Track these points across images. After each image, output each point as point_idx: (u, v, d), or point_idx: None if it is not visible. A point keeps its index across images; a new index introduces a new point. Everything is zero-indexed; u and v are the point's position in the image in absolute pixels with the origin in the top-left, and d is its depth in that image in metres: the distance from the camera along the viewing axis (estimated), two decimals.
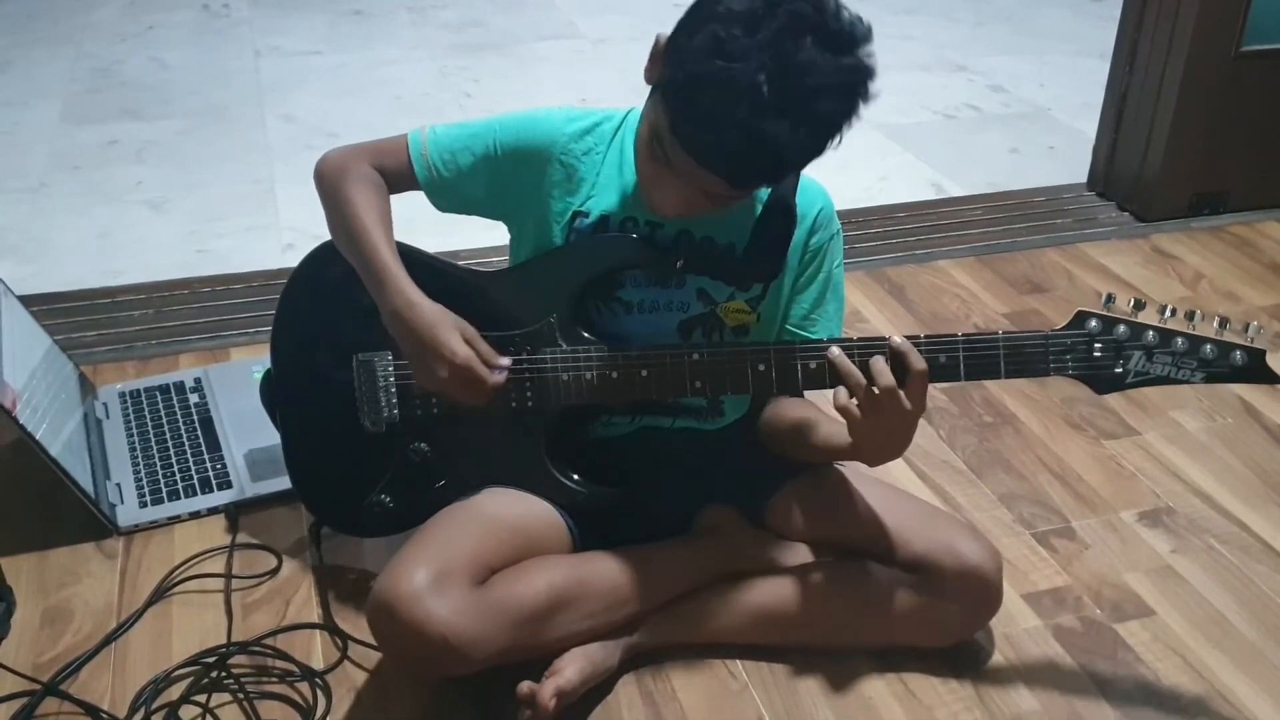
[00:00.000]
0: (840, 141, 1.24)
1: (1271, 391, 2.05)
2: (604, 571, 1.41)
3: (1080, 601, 1.59)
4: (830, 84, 1.18)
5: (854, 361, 1.29)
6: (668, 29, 1.26)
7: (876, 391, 1.26)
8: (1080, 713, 1.42)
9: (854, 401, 1.28)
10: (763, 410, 1.53)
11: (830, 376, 1.31)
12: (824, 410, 1.49)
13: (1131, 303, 1.27)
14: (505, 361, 1.37)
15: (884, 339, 1.29)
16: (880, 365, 1.27)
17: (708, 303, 1.43)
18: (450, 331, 1.33)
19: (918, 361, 1.27)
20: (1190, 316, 1.26)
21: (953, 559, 1.40)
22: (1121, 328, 1.27)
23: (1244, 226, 2.70)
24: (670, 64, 1.23)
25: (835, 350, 1.30)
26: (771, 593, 1.46)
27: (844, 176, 2.97)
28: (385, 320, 1.37)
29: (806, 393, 1.44)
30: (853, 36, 1.20)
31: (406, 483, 1.49)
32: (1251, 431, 1.97)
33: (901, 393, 1.26)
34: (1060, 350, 1.29)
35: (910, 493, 1.54)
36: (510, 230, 1.49)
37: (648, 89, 1.29)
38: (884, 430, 1.30)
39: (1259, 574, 1.65)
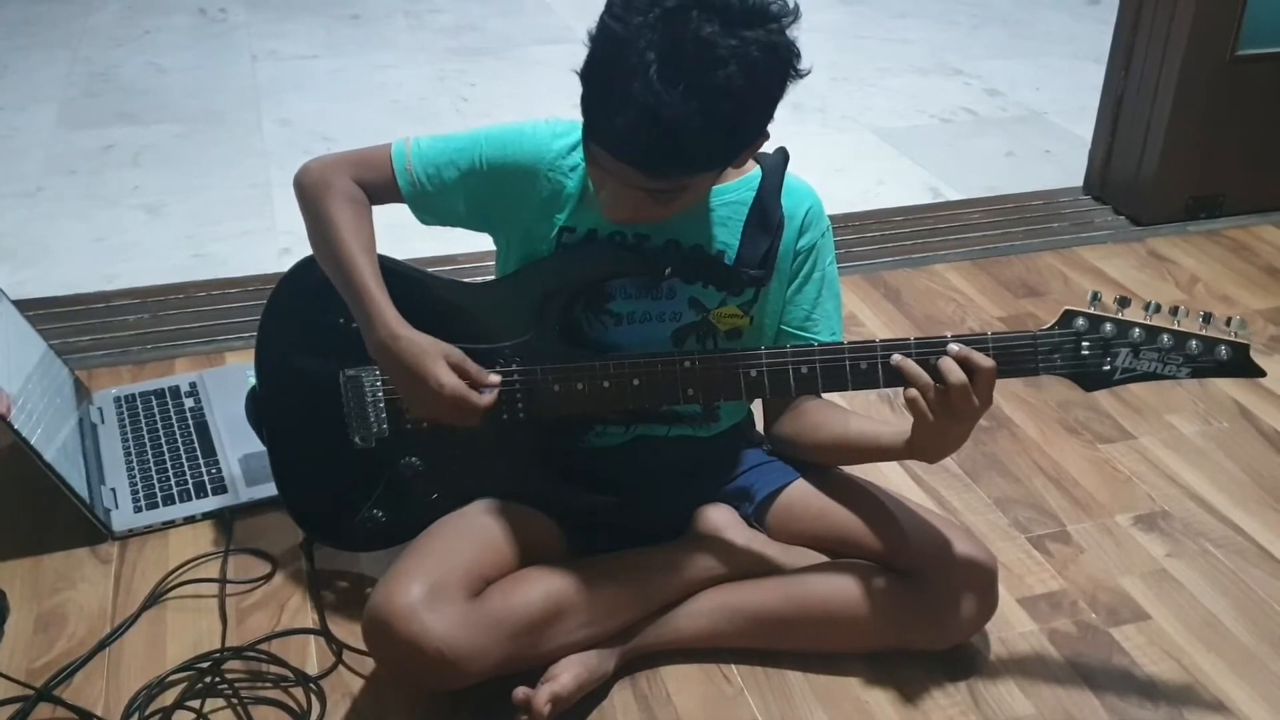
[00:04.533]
0: (757, 127, 1.22)
1: (1267, 395, 2.05)
2: (600, 579, 1.40)
3: (1075, 605, 1.59)
4: (723, 56, 1.14)
5: (918, 363, 1.28)
6: None
7: (947, 391, 1.26)
8: (1075, 716, 1.42)
9: (924, 401, 1.27)
10: (779, 416, 1.52)
11: (885, 378, 1.31)
12: (859, 414, 1.49)
13: (1117, 300, 1.28)
14: (494, 379, 1.35)
15: (905, 340, 1.29)
16: (950, 365, 1.26)
17: (700, 310, 1.42)
18: (437, 362, 1.32)
19: (983, 360, 1.26)
20: (1174, 312, 1.28)
21: (948, 563, 1.40)
22: (1108, 325, 1.28)
23: (1240, 230, 2.70)
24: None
25: (897, 357, 1.29)
26: (767, 596, 1.46)
27: (840, 180, 2.98)
28: (370, 352, 1.36)
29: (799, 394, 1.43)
30: (754, 11, 1.16)
31: (398, 497, 1.48)
32: (1247, 435, 1.97)
33: (972, 391, 1.26)
34: (1048, 349, 1.29)
35: (906, 497, 1.53)
36: (497, 242, 1.48)
37: None
38: (953, 428, 1.30)
39: (1254, 578, 1.65)
